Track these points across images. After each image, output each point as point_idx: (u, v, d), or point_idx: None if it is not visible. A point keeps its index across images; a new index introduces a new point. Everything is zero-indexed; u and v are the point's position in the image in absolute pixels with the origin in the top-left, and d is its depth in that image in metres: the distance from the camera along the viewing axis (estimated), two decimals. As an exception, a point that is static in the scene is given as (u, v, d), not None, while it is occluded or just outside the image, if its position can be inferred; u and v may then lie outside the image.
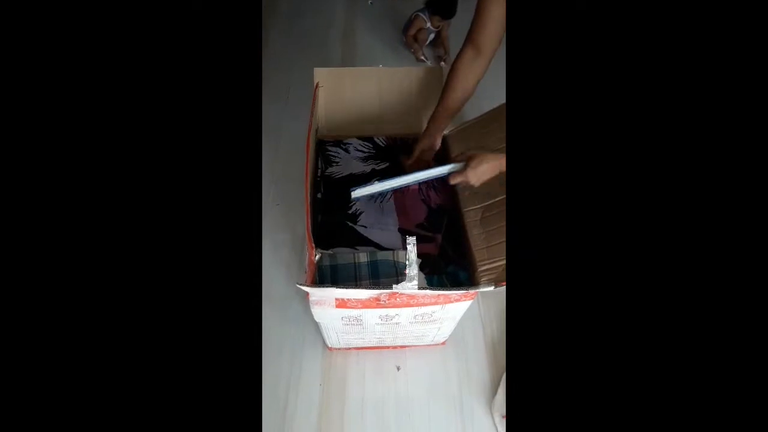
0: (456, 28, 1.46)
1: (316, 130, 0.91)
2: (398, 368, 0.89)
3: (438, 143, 0.85)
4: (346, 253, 0.76)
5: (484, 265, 0.74)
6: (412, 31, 1.42)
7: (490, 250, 0.75)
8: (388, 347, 0.89)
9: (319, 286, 0.60)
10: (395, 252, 0.76)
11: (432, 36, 1.46)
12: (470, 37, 0.73)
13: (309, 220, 0.66)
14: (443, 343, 0.90)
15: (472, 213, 0.80)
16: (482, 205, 0.80)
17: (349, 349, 0.89)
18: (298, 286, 0.58)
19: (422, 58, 1.47)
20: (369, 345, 0.86)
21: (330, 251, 0.76)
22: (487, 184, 0.76)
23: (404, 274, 0.67)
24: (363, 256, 0.75)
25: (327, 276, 0.73)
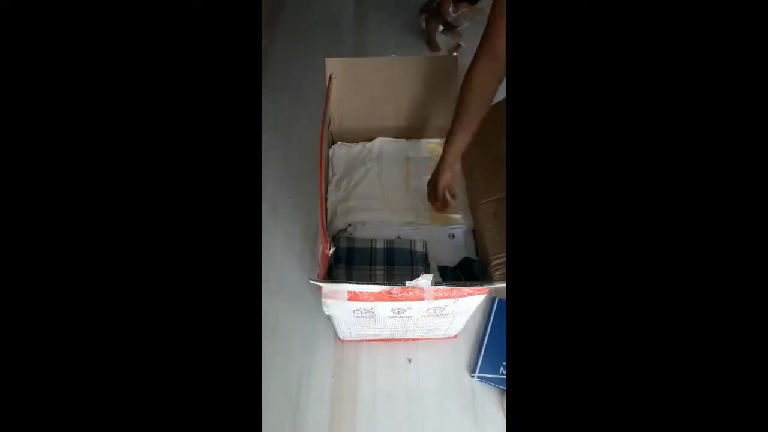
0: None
1: (329, 124, 0.91)
2: (409, 360, 0.89)
3: (458, 171, 0.78)
4: (363, 238, 0.77)
5: (498, 258, 0.73)
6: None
7: (503, 243, 0.74)
8: (399, 340, 0.89)
9: (332, 281, 0.60)
10: (412, 241, 0.76)
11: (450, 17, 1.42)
12: (486, 44, 0.67)
13: (323, 214, 0.66)
14: (455, 337, 0.90)
15: (485, 206, 0.79)
16: (496, 197, 0.79)
17: (361, 341, 0.89)
18: (310, 281, 0.58)
19: (435, 47, 1.44)
20: (380, 337, 0.87)
21: (347, 234, 0.77)
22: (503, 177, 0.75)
23: (418, 265, 0.67)
24: (380, 242, 0.77)
25: (342, 257, 0.73)
